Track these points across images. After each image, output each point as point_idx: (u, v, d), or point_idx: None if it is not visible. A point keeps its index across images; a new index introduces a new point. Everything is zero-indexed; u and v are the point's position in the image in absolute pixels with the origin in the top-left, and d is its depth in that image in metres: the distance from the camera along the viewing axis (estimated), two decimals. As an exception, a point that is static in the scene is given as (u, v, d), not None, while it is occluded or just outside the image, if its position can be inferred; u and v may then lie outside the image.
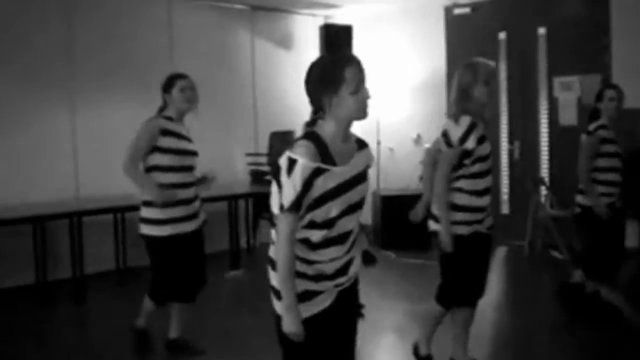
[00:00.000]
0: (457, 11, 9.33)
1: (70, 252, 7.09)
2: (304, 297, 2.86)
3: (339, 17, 10.23)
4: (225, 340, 5.55)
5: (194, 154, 5.02)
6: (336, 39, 9.53)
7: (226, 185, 8.27)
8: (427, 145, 9.53)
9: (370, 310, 6.14)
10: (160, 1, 8.61)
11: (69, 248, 7.11)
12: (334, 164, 2.82)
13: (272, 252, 2.93)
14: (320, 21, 10.17)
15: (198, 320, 5.71)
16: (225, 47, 9.31)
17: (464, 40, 9.22)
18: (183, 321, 5.20)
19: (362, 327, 5.67)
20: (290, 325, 2.78)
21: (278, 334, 2.90)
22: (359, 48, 9.72)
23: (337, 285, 2.94)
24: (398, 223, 8.89)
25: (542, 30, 8.71)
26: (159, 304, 5.16)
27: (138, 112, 8.09)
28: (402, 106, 9.88)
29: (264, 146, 9.28)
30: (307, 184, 2.73)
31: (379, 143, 9.77)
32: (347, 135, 2.95)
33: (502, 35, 8.95)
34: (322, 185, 2.77)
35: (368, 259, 8.41)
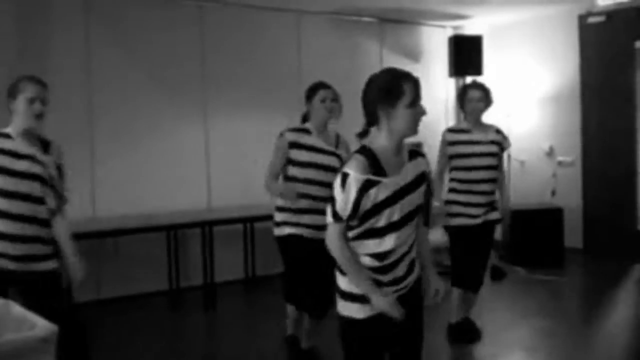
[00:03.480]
0: (591, 19, 9.03)
1: (202, 260, 7.28)
2: (364, 298, 3.05)
3: (468, 28, 10.12)
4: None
5: (327, 168, 4.91)
6: (465, 49, 9.44)
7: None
8: (560, 158, 9.33)
9: (498, 325, 6.03)
10: (290, 16, 8.75)
11: (201, 256, 7.30)
12: (384, 175, 2.98)
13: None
14: (449, 32, 10.09)
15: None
16: (354, 59, 9.36)
17: (598, 50, 8.92)
18: (316, 331, 5.22)
19: (489, 343, 5.59)
20: (382, 302, 3.00)
21: (341, 335, 3.17)
22: (489, 58, 9.58)
23: (395, 291, 3.11)
24: (529, 238, 8.70)
25: (682, 38, 8.33)
26: (296, 306, 5.20)
27: (267, 125, 8.36)
28: (532, 117, 9.64)
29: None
30: (360, 195, 2.91)
31: (509, 156, 9.57)
32: (399, 148, 3.06)
33: (638, 44, 8.61)
34: (374, 196, 2.94)
35: (497, 274, 8.28)
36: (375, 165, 2.95)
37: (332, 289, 4.80)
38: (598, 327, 6.10)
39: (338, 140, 5.11)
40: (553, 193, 9.11)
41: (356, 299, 3.07)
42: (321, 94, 4.96)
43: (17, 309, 2.62)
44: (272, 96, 8.43)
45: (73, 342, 3.73)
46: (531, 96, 9.56)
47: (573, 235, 8.96)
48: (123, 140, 7.55)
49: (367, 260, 3.05)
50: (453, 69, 9.48)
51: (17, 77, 3.94)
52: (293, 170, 4.90)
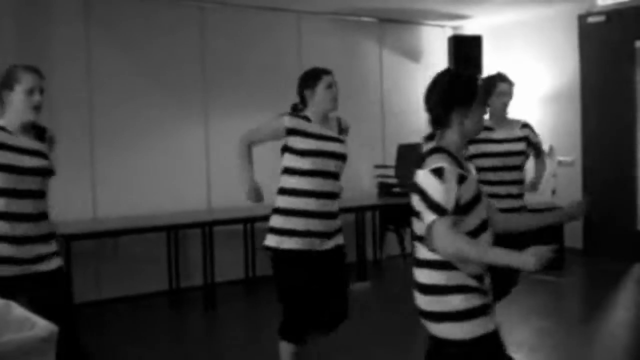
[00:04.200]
0: (591, 19, 9.04)
1: (202, 260, 7.29)
2: (481, 311, 2.83)
3: (467, 28, 10.13)
4: (350, 351, 5.56)
5: (334, 155, 4.46)
6: (465, 50, 9.45)
7: (353, 198, 8.31)
8: (560, 158, 9.32)
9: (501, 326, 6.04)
10: (290, 16, 8.76)
11: (201, 256, 7.31)
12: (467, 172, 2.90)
13: (424, 277, 2.89)
14: (449, 32, 10.10)
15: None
16: (354, 59, 9.37)
17: (598, 50, 8.92)
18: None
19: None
20: (533, 259, 2.60)
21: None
22: (488, 58, 9.59)
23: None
24: (528, 238, 8.68)
25: (682, 38, 8.34)
26: (297, 342, 4.52)
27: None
28: (532, 117, 9.61)
29: (391, 159, 9.27)
30: (458, 188, 2.77)
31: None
32: (462, 148, 3.03)
33: (638, 44, 8.61)
34: (464, 193, 2.81)
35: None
36: (456, 163, 2.84)
37: (347, 301, 4.49)
38: (598, 327, 6.12)
39: (340, 125, 4.69)
40: (553, 193, 9.12)
41: (476, 313, 2.82)
42: (326, 79, 4.49)
43: (18, 310, 2.63)
44: (272, 97, 8.42)
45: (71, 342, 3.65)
46: (531, 96, 9.56)
47: (573, 236, 8.96)
48: (123, 140, 7.56)
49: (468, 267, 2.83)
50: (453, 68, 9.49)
51: (11, 66, 3.70)
52: (293, 161, 4.39)
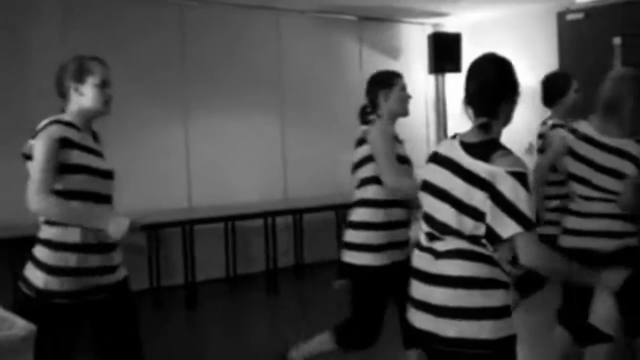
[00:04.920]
0: (570, 17, 9.08)
1: (183, 259, 7.27)
2: (508, 311, 2.67)
3: (447, 25, 10.15)
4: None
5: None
6: (445, 47, 9.47)
7: (335, 195, 8.31)
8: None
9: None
10: (270, 14, 8.74)
11: (182, 255, 7.28)
12: None
13: (455, 269, 2.63)
14: (429, 30, 10.12)
15: (309, 329, 5.73)
16: (333, 57, 9.37)
17: (577, 47, 8.96)
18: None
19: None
20: (612, 277, 2.79)
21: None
22: (468, 56, 9.61)
23: None
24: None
25: (659, 35, 8.40)
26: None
27: (247, 124, 8.38)
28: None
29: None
30: None
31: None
32: None
33: (617, 41, 8.66)
34: None
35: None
36: None
37: None
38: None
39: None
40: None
41: (509, 311, 2.66)
42: (401, 82, 4.26)
43: None
44: (252, 95, 8.43)
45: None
46: (511, 93, 9.60)
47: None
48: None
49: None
50: (433, 66, 9.52)
51: (76, 56, 3.42)
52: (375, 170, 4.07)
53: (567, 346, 4.29)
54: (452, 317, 2.60)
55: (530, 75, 9.60)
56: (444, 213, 2.67)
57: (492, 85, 2.80)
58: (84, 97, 3.35)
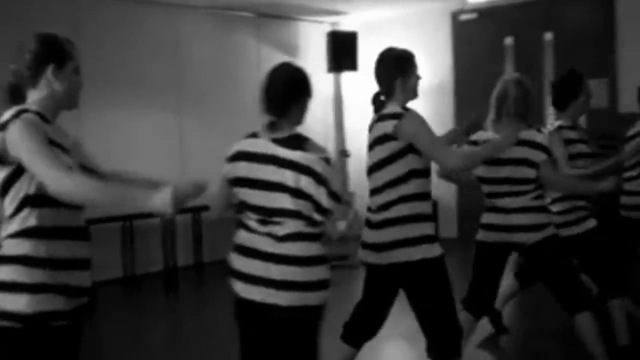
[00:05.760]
0: (463, 17, 9.33)
1: (121, 252, 7.12)
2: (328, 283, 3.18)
3: (345, 24, 10.25)
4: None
5: None
6: (342, 45, 9.56)
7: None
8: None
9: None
10: (166, 10, 8.63)
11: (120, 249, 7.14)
12: None
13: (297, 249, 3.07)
14: (327, 28, 10.19)
15: (208, 327, 5.71)
16: (231, 54, 9.34)
17: (470, 46, 9.21)
18: None
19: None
20: None
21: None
22: (365, 54, 9.73)
23: None
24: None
25: (548, 36, 8.71)
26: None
27: (145, 122, 8.25)
28: (409, 112, 9.86)
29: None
30: None
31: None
32: None
33: (508, 41, 8.95)
34: None
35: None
36: None
37: None
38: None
39: None
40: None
41: None
42: (416, 62, 4.16)
43: None
44: (149, 92, 8.31)
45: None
46: (407, 91, 9.77)
47: (448, 226, 9.24)
48: None
49: None
50: (331, 64, 9.59)
51: (50, 35, 2.88)
52: (418, 162, 3.79)
53: (471, 329, 4.50)
54: (291, 290, 2.99)
55: (425, 73, 9.81)
56: (280, 200, 3.01)
57: (281, 89, 3.15)
58: (60, 84, 2.80)
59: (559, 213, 4.66)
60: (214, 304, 7.03)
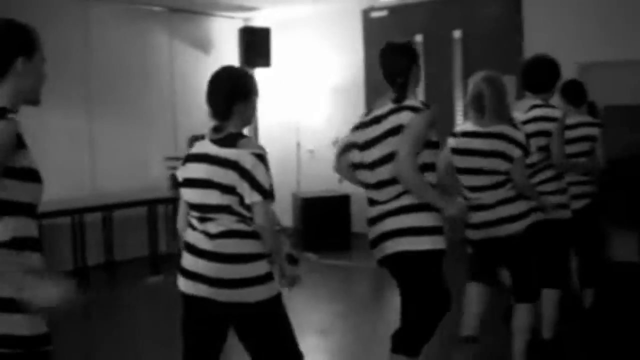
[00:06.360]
0: (374, 14, 9.43)
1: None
2: (272, 276, 3.25)
3: (258, 20, 10.22)
4: (155, 346, 5.49)
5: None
6: (255, 41, 9.53)
7: (145, 190, 8.18)
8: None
9: (294, 311, 6.15)
10: (78, 3, 8.44)
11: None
12: None
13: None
14: (239, 24, 10.14)
15: (122, 328, 5.62)
16: (144, 49, 9.19)
17: (381, 43, 9.25)
18: None
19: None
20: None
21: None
22: (278, 51, 9.73)
23: None
24: (318, 225, 8.97)
25: (457, 33, 8.88)
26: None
27: (50, 117, 8.04)
28: (321, 108, 9.92)
29: (183, 150, 9.19)
30: None
31: (298, 145, 9.80)
32: None
33: (418, 38, 9.08)
34: None
35: (290, 261, 8.44)
36: None
37: None
38: (388, 307, 6.39)
39: None
40: (340, 181, 9.40)
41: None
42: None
43: None
44: (57, 87, 8.09)
45: None
46: (320, 88, 9.82)
47: (359, 221, 9.30)
48: None
49: None
50: (243, 60, 9.55)
51: (13, 21, 2.63)
52: (432, 156, 3.83)
53: (474, 294, 4.65)
54: (225, 287, 3.07)
55: (337, 70, 9.90)
56: (211, 196, 3.10)
57: (222, 95, 3.23)
58: (27, 76, 2.56)
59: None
60: (126, 304, 6.94)
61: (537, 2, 8.34)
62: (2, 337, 2.25)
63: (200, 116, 9.62)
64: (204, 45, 9.93)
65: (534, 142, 4.58)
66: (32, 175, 2.40)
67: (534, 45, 8.27)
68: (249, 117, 3.28)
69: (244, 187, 3.04)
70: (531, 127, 4.62)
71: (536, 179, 4.71)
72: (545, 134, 4.69)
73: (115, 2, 8.80)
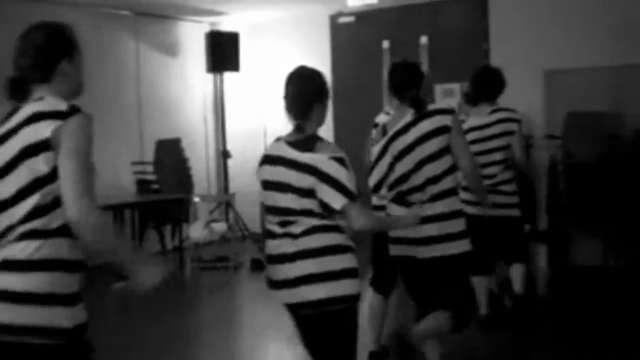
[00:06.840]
0: (342, 20, 9.46)
1: None
2: (358, 271, 3.28)
3: (225, 25, 10.20)
4: (119, 351, 5.44)
5: None
6: (222, 46, 9.51)
7: (111, 195, 8.11)
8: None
9: (259, 316, 6.13)
10: (43, 6, 8.36)
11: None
12: None
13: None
14: (206, 28, 10.12)
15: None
16: (109, 53, 9.11)
17: (349, 49, 9.35)
18: None
19: (251, 334, 5.68)
20: None
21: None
22: (245, 55, 9.72)
23: None
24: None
25: (424, 39, 8.93)
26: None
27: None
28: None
29: (149, 155, 9.14)
30: None
31: (266, 150, 9.74)
32: None
33: (385, 44, 9.12)
34: None
35: (256, 266, 8.42)
36: None
37: None
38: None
39: None
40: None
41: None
42: None
43: None
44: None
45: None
46: (287, 93, 9.81)
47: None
48: None
49: None
50: (210, 65, 9.53)
51: (61, 25, 2.84)
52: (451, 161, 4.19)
53: (376, 306, 4.81)
54: (317, 282, 3.06)
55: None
56: (288, 200, 3.12)
57: (304, 94, 3.28)
58: (72, 75, 2.74)
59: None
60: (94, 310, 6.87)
61: (503, 8, 8.42)
62: (43, 329, 2.36)
63: (168, 121, 9.66)
64: (171, 49, 9.89)
65: (499, 142, 5.05)
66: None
67: (499, 51, 8.36)
68: (324, 117, 3.34)
69: (325, 191, 3.06)
70: (497, 129, 5.07)
71: (498, 179, 5.05)
72: (509, 133, 5.09)
73: (80, 5, 8.73)
